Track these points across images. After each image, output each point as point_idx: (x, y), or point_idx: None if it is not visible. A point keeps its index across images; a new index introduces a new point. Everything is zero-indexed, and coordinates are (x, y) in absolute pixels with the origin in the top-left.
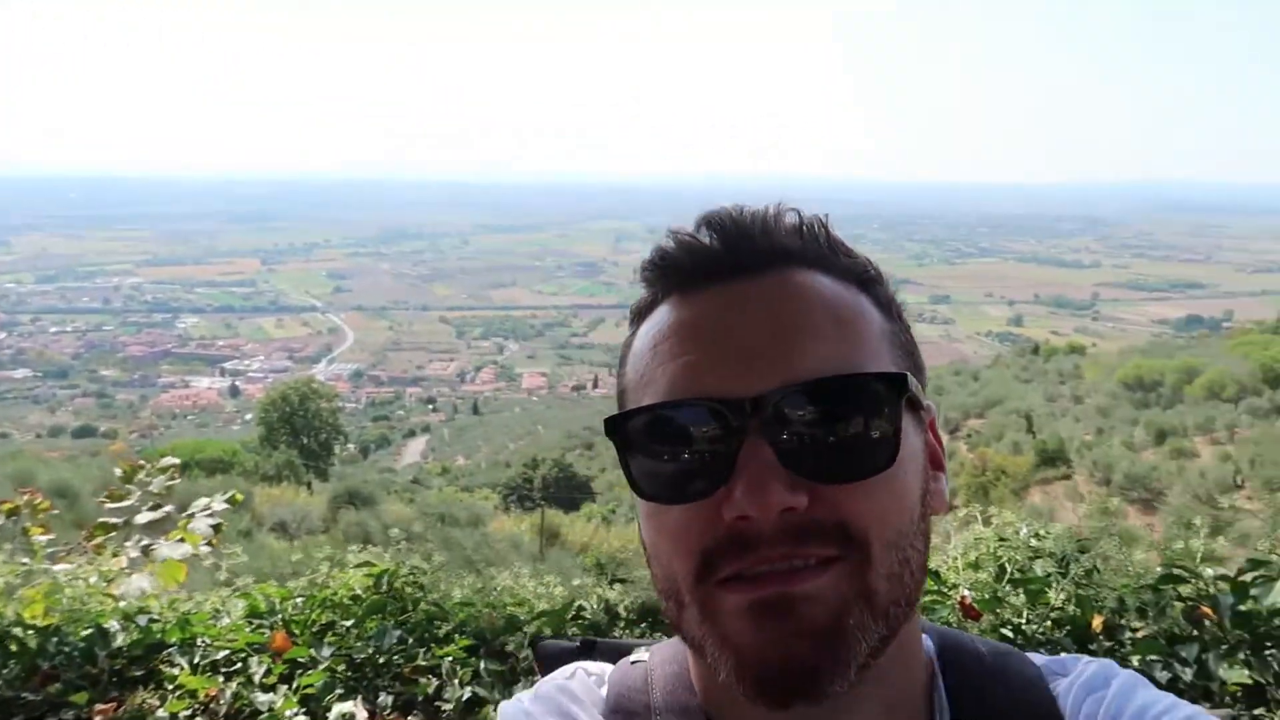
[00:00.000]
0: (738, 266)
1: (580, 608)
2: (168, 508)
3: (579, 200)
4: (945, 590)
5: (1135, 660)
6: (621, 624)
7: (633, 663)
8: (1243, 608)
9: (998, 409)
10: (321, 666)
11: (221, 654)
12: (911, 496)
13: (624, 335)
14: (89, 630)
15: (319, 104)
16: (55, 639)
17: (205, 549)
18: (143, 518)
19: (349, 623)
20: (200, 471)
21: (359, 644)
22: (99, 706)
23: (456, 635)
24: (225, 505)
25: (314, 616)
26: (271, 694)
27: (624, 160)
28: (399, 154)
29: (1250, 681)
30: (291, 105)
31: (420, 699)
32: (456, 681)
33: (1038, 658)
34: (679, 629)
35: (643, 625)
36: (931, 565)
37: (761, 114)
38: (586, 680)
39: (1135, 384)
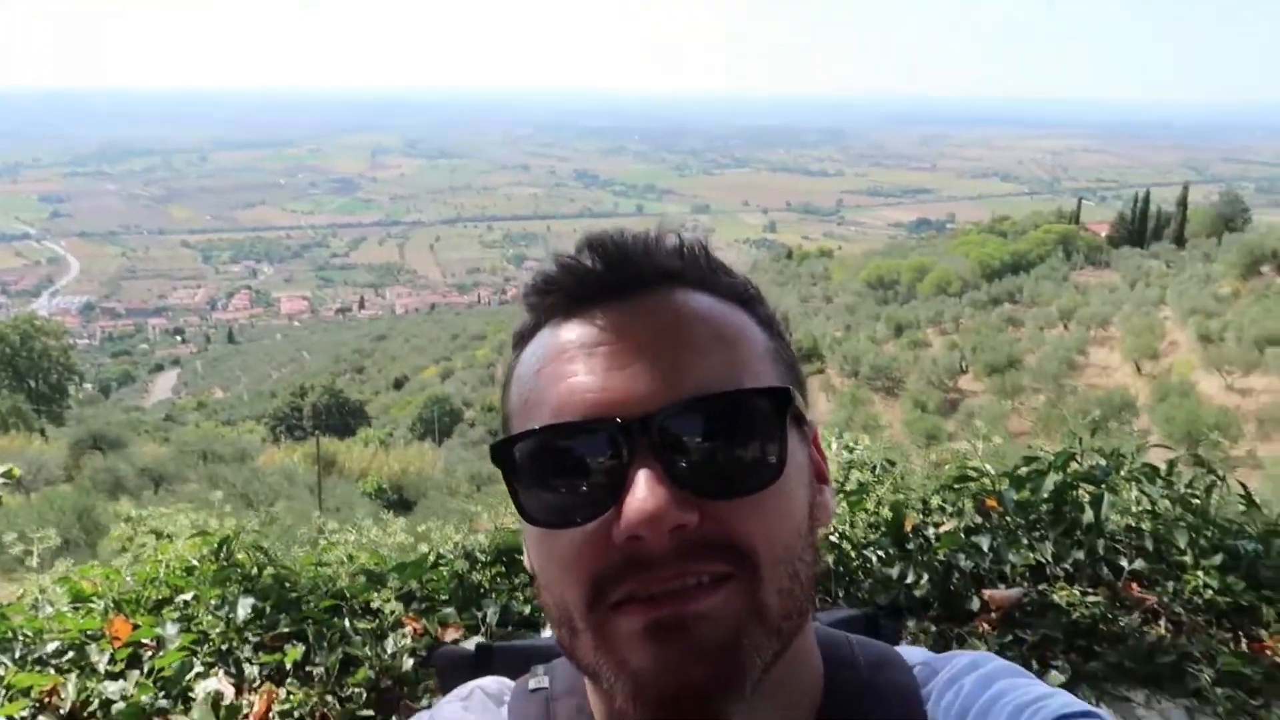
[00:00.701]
0: (620, 287)
1: (440, 555)
2: None
3: (330, 113)
4: None
5: (941, 554)
6: (480, 566)
7: (532, 690)
8: (1018, 498)
9: None
10: (174, 646)
11: (51, 646)
12: (799, 511)
13: (391, 253)
14: None
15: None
16: None
17: None
18: None
19: (188, 596)
20: None
21: (209, 618)
22: None
23: (312, 596)
24: (2, 480)
25: (148, 593)
26: (121, 681)
27: (379, 73)
28: (113, 64)
29: (1034, 562)
30: None
31: (290, 666)
32: (325, 645)
33: (916, 654)
34: (573, 657)
35: (500, 564)
36: None
37: (520, 25)
38: (485, 702)
39: (876, 283)
